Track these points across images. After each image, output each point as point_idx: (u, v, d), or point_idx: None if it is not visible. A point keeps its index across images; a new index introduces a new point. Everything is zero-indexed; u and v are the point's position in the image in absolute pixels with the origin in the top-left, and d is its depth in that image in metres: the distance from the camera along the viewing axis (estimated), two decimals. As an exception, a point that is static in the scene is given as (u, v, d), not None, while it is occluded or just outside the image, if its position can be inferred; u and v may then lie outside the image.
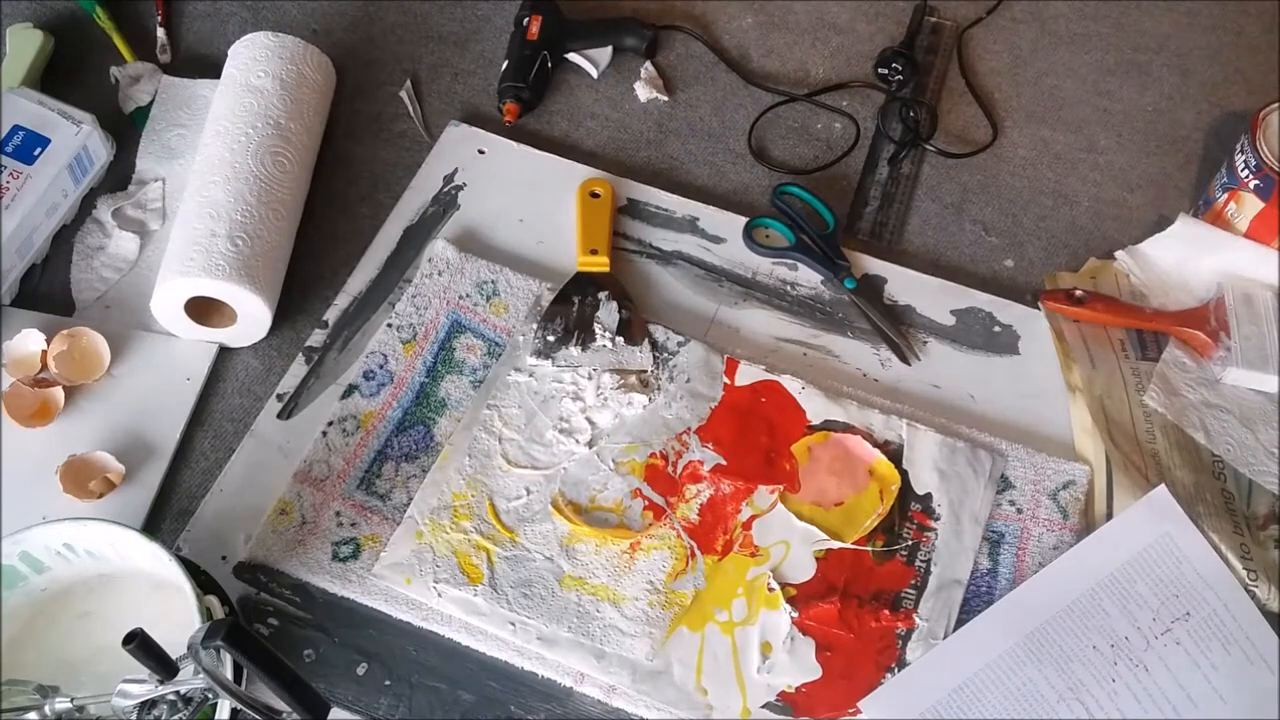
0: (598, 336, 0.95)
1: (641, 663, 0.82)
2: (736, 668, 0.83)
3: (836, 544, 0.87)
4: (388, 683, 0.82)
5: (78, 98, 1.03)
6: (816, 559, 0.87)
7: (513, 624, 0.83)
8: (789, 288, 1.01)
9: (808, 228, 1.03)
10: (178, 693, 0.71)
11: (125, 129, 1.07)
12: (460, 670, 0.83)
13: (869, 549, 0.87)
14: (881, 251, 1.04)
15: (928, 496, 0.90)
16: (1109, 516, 0.89)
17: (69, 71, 1.11)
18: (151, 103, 1.08)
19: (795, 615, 0.84)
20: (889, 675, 0.83)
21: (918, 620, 0.85)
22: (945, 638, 0.84)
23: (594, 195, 1.02)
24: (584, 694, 0.82)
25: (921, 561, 0.87)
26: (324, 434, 0.90)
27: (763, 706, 0.81)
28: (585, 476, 0.89)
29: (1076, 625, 0.84)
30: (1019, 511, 0.90)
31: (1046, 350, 0.99)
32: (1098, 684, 0.82)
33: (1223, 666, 0.83)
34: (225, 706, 0.75)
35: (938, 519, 0.89)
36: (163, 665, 0.69)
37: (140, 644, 0.68)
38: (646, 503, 0.88)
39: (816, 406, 0.93)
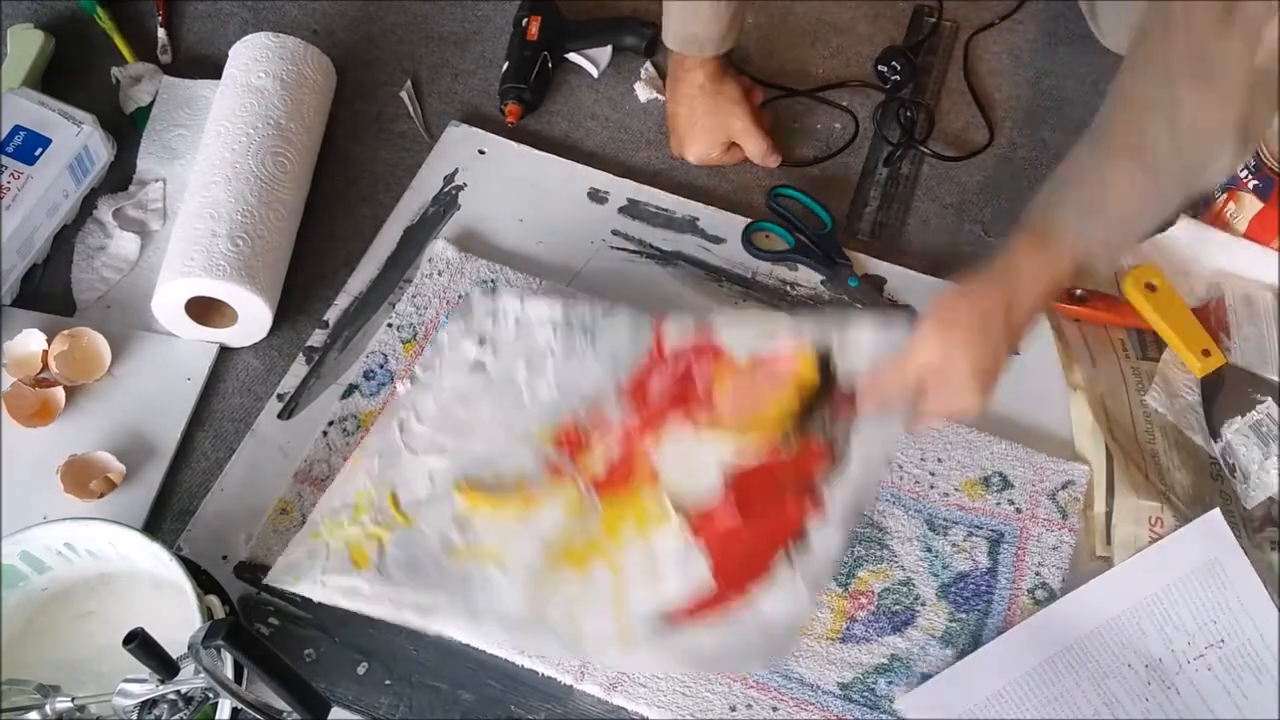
0: None
1: (517, 614, 0.81)
2: (618, 600, 0.81)
3: (745, 456, 0.84)
4: (388, 682, 0.82)
5: (78, 98, 1.03)
6: (727, 472, 0.83)
7: (392, 600, 0.82)
8: (789, 288, 1.02)
9: (805, 229, 1.03)
10: (178, 692, 0.71)
11: (126, 129, 1.07)
12: (460, 670, 0.83)
13: (783, 439, 0.84)
14: (881, 251, 1.04)
15: (848, 382, 0.85)
16: (1109, 516, 0.89)
17: (70, 72, 1.11)
18: (152, 103, 1.08)
19: (691, 530, 0.81)
20: (786, 554, 0.80)
21: (828, 504, 0.82)
22: (853, 521, 0.82)
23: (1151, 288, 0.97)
24: (584, 692, 0.82)
25: (840, 446, 0.83)
26: (325, 434, 0.90)
27: (649, 630, 0.80)
28: (491, 456, 0.88)
29: (1115, 642, 0.84)
30: (1018, 511, 0.90)
31: (1046, 350, 0.99)
32: (1132, 701, 0.82)
33: (1253, 696, 0.83)
34: (226, 706, 0.75)
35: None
36: (163, 665, 0.69)
37: (141, 643, 0.68)
38: (549, 464, 0.87)
39: (742, 337, 0.88)
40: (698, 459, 0.85)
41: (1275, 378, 0.96)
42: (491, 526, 0.84)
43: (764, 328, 0.88)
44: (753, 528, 0.82)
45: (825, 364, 0.86)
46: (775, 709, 0.82)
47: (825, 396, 0.85)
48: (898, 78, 1.14)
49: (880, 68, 1.15)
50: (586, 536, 0.84)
